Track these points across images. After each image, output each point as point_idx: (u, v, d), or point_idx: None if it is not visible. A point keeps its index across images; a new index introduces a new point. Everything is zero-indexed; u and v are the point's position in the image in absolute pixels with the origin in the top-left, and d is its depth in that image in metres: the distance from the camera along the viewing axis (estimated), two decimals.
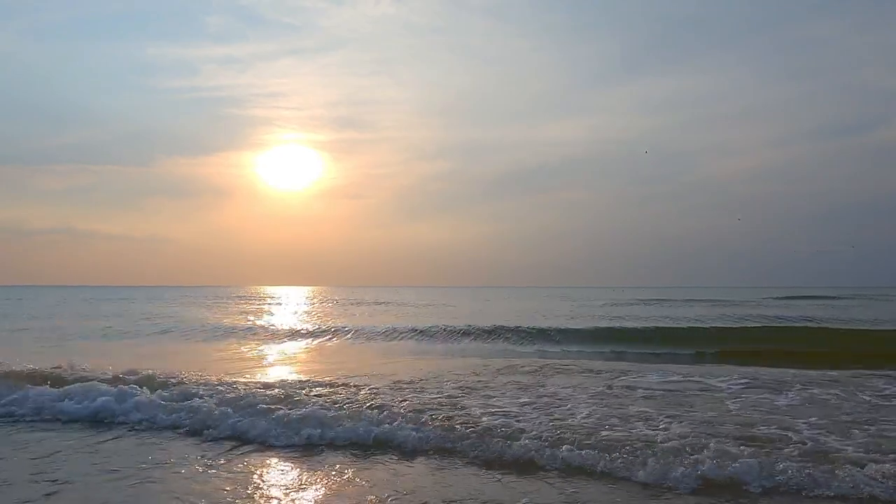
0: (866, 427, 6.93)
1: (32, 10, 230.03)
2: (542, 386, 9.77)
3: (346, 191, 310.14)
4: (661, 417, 7.35)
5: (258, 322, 25.63)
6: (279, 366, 13.49)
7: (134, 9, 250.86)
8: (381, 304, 44.28)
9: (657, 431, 6.65)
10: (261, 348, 17.23)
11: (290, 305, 44.58)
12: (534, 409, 7.89)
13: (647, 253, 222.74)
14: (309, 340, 19.39)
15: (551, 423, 6.95)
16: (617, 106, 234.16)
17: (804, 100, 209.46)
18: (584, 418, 7.30)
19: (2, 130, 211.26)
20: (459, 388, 9.48)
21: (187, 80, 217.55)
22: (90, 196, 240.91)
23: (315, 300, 55.62)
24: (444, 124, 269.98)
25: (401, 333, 19.75)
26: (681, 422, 7.11)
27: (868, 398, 8.79)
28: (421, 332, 19.78)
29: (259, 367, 13.04)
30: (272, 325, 23.53)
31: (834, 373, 11.11)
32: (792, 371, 11.34)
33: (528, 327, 19.54)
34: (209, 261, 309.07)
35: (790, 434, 6.50)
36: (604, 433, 6.52)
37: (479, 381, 10.15)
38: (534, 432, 6.49)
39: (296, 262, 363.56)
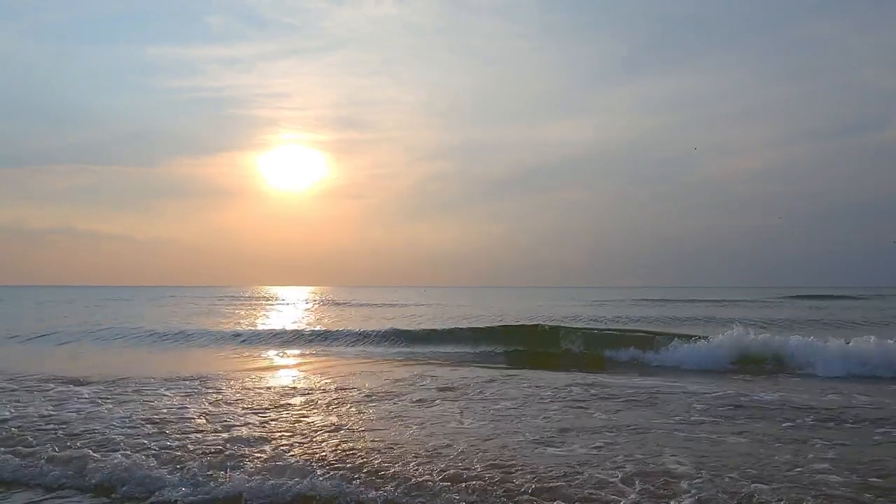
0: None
1: (32, 10, 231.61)
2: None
3: (347, 191, 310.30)
4: None
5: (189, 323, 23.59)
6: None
7: (134, 9, 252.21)
8: (364, 305, 43.45)
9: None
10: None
11: (257, 307, 43.56)
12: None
13: (647, 253, 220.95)
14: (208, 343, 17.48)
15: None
16: (617, 106, 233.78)
17: (804, 100, 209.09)
18: None
19: (2, 130, 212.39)
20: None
21: (188, 80, 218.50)
22: (91, 196, 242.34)
23: (287, 301, 54.65)
24: (444, 124, 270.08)
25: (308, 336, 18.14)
26: None
27: None
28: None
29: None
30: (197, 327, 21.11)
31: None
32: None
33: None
34: (210, 261, 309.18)
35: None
36: None
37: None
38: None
39: (297, 262, 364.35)
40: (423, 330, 18.22)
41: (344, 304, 45.86)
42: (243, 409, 7.49)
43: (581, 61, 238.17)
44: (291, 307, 41.45)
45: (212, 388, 9.04)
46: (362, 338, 17.32)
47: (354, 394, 8.60)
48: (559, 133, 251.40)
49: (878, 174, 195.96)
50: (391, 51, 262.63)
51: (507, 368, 12.22)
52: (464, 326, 18.90)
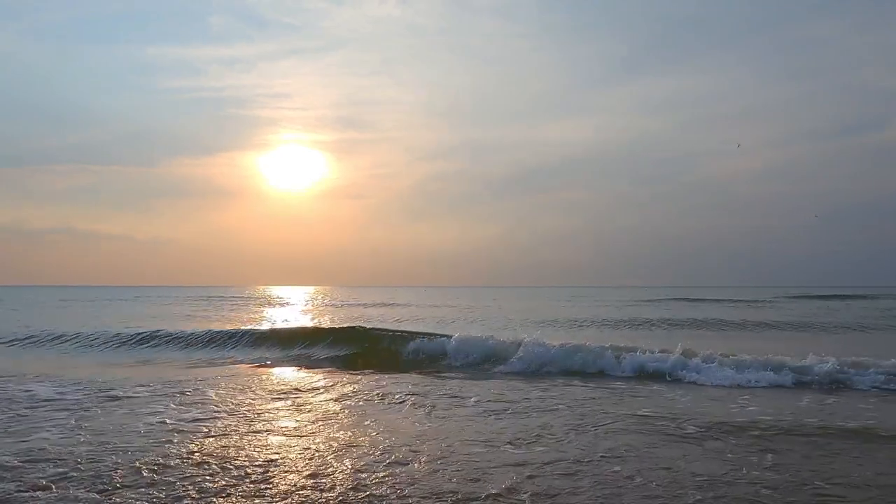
0: None
1: (32, 10, 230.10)
2: None
3: (347, 191, 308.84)
4: None
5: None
6: None
7: (134, 9, 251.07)
8: (352, 305, 43.35)
9: None
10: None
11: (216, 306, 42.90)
12: None
13: (647, 253, 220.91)
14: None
15: None
16: (617, 106, 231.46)
17: (804, 100, 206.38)
18: None
19: (2, 130, 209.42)
20: None
21: (188, 80, 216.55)
22: (91, 196, 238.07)
23: (254, 300, 54.07)
24: (444, 125, 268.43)
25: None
26: None
27: None
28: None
29: None
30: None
31: None
32: None
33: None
34: (210, 261, 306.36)
35: None
36: None
37: None
38: None
39: (297, 262, 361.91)
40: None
41: (326, 305, 45.62)
42: None
43: (581, 61, 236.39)
44: (251, 307, 40.65)
45: None
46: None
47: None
48: (559, 133, 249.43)
49: (879, 174, 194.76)
50: (391, 51, 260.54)
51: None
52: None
